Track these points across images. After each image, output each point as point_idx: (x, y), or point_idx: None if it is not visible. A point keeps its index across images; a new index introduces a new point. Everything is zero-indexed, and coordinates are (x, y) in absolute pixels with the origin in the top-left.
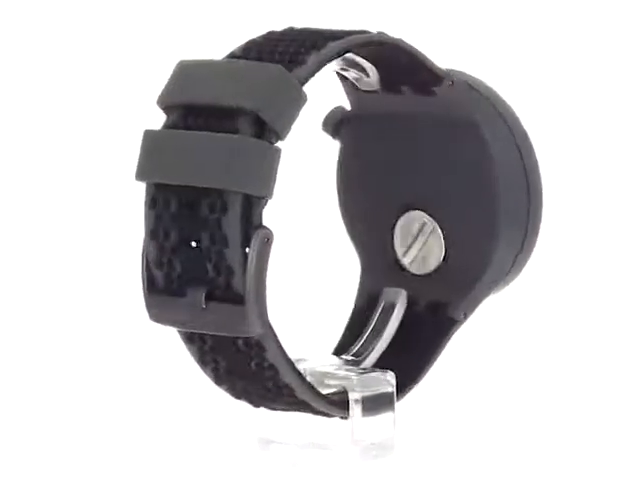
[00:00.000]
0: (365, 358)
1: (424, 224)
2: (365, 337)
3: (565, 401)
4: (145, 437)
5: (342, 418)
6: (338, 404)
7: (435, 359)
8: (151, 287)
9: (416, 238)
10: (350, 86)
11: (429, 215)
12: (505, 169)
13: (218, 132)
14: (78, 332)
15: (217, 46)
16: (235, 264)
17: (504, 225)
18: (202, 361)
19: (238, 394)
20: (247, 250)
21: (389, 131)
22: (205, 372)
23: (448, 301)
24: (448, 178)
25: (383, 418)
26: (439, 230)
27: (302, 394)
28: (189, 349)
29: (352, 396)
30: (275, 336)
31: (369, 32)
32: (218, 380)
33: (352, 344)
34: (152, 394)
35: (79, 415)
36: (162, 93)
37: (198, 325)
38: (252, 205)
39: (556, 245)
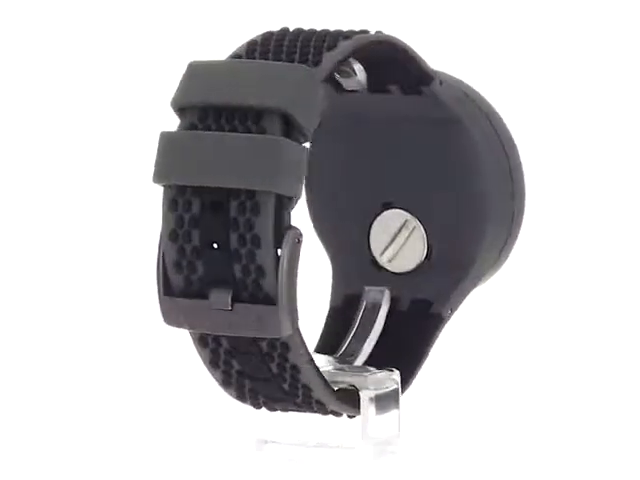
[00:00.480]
0: (355, 359)
1: (405, 222)
2: (351, 338)
3: (564, 394)
4: (151, 438)
5: (349, 417)
6: (349, 402)
7: (426, 356)
8: (167, 290)
9: (395, 236)
10: (331, 86)
11: (412, 214)
12: (492, 168)
13: (243, 132)
14: (79, 335)
15: (206, 47)
16: (267, 265)
17: (491, 223)
18: (213, 364)
19: (243, 396)
20: (279, 251)
21: (369, 130)
22: (213, 375)
23: (433, 298)
24: (433, 177)
25: (390, 416)
26: (422, 228)
27: (320, 393)
28: (200, 352)
29: (366, 394)
30: (301, 336)
31: (369, 31)
32: (226, 383)
33: (337, 345)
34: (154, 396)
35: (78, 416)
36: (176, 95)
37: (221, 327)
38: (283, 205)
39: (532, 237)
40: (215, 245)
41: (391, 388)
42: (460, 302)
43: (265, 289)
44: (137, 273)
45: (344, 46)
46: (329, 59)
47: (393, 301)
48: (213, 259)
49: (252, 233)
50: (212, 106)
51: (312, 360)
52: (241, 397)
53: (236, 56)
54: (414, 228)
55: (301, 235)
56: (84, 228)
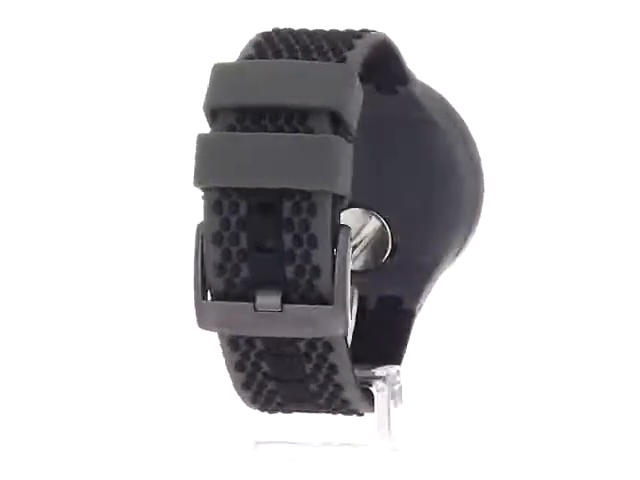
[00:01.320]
0: None
1: (366, 222)
2: None
3: (561, 384)
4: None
5: (358, 415)
6: (366, 400)
7: (404, 353)
8: (205, 293)
9: (356, 235)
10: None
11: (376, 212)
12: (464, 170)
13: (289, 132)
14: (79, 336)
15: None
16: (324, 265)
17: (459, 223)
18: (239, 366)
19: (258, 399)
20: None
21: None
22: (234, 377)
23: (402, 295)
24: (402, 176)
25: (398, 412)
26: (386, 227)
27: (351, 393)
28: (228, 354)
29: (383, 391)
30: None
31: (368, 30)
32: (246, 386)
33: None
34: (160, 397)
35: (78, 416)
36: (208, 96)
37: (266, 328)
38: (337, 205)
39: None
40: (260, 247)
41: (399, 385)
42: (427, 295)
43: (319, 289)
44: (143, 276)
45: (362, 45)
46: (353, 58)
47: (360, 300)
48: (260, 261)
49: (308, 233)
50: (252, 107)
51: (351, 360)
52: (255, 400)
53: (247, 57)
54: (376, 227)
55: (351, 234)
56: (92, 232)
